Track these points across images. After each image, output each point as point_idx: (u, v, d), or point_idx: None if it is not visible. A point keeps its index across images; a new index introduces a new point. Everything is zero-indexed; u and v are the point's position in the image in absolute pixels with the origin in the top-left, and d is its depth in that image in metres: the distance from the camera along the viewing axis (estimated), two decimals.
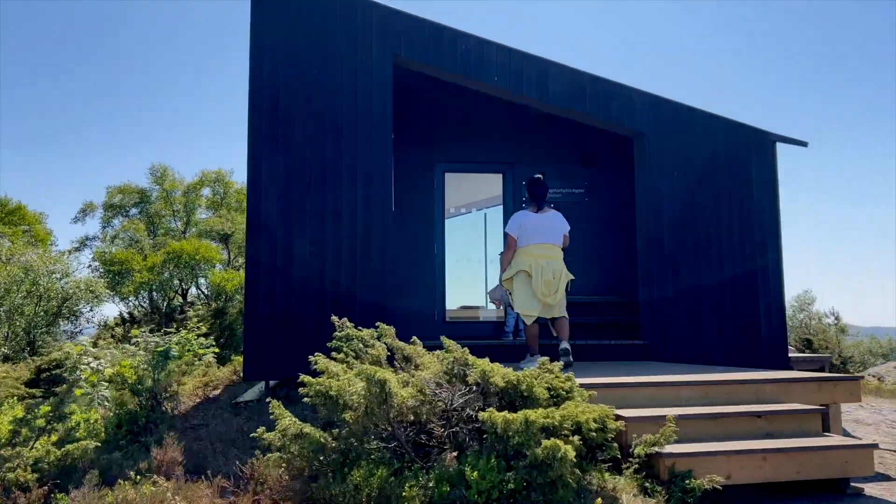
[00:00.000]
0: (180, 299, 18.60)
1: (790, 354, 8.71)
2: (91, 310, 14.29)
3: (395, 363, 4.26)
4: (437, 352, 4.10)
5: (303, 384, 3.57)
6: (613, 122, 7.76)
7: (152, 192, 19.54)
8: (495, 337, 8.79)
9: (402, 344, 4.23)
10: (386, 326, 4.30)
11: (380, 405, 3.27)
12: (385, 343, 4.25)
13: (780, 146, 8.10)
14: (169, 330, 10.70)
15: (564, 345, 6.01)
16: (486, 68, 7.37)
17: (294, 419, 3.57)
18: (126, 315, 14.06)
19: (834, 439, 4.32)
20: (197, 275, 17.94)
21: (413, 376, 3.60)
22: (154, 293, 17.58)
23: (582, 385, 4.48)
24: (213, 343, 9.56)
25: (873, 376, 20.58)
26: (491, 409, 3.41)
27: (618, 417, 4.23)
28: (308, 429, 3.46)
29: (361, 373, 3.29)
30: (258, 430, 3.58)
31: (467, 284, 10.01)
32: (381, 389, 3.23)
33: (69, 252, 17.91)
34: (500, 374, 3.65)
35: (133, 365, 5.96)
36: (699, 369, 5.99)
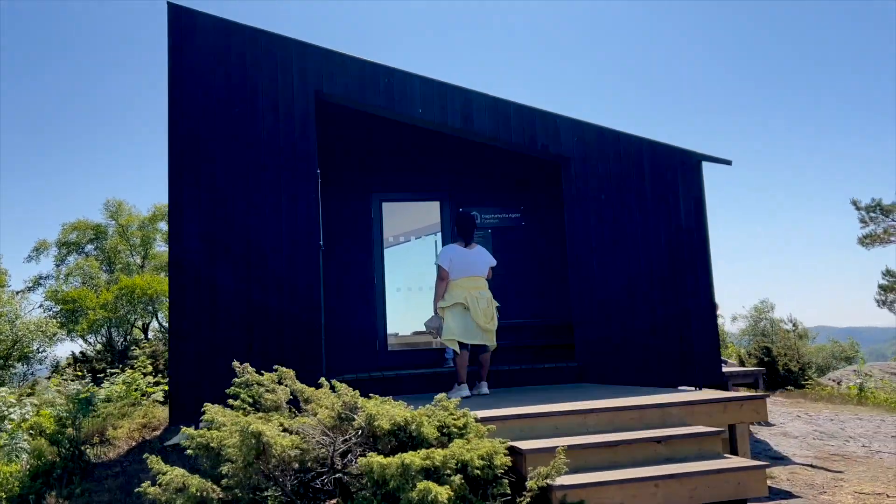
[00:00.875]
0: (141, 335, 18.39)
1: (727, 369, 8.86)
2: (42, 350, 14.06)
3: (300, 405, 4.28)
4: (337, 391, 4.12)
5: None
6: (539, 149, 7.89)
7: (109, 228, 19.37)
8: (439, 364, 8.82)
9: (301, 387, 4.25)
10: (285, 370, 4.32)
11: (258, 457, 3.29)
12: (286, 386, 4.26)
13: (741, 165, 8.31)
14: (113, 371, 10.59)
15: (484, 389, 6.38)
16: (410, 101, 7.47)
17: (182, 471, 3.56)
18: (79, 355, 13.85)
19: (730, 461, 4.41)
20: (156, 309, 17.76)
21: (296, 423, 3.62)
22: (113, 330, 17.36)
23: (488, 418, 4.54)
24: (166, 380, 9.48)
25: (833, 380, 20.88)
26: (372, 453, 3.43)
27: (514, 451, 4.29)
28: (192, 480, 3.46)
29: (235, 425, 3.31)
30: (143, 484, 3.56)
31: (415, 312, 10.04)
32: (256, 441, 3.25)
33: (23, 292, 17.67)
34: (388, 416, 3.68)
35: (53, 414, 5.90)
36: (621, 392, 6.06)
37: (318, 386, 4.36)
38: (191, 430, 3.55)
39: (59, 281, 18.18)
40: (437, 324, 6.59)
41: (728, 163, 8.37)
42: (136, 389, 9.45)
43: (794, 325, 22.45)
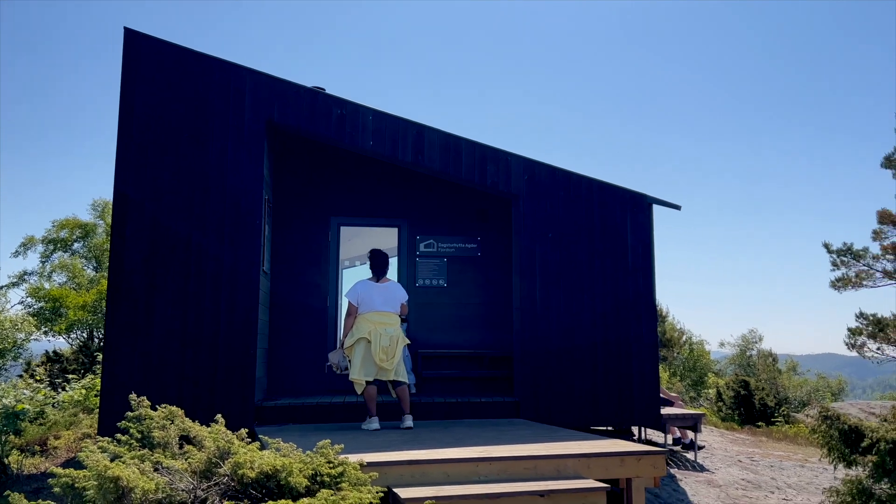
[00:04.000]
0: None
1: (670, 410, 8.91)
2: (19, 347, 14.26)
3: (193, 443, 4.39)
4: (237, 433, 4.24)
5: None
6: (490, 185, 8.01)
7: (99, 227, 19.61)
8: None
9: (190, 425, 4.37)
10: (174, 409, 4.44)
11: (117, 500, 3.41)
12: (176, 424, 4.38)
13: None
14: (71, 377, 10.75)
15: (408, 422, 6.49)
16: (361, 133, 7.61)
17: None
18: (52, 354, 14.05)
19: None
20: None
21: (176, 463, 3.73)
22: (95, 331, 17.55)
23: (377, 463, 4.65)
24: None
25: (810, 416, 20.76)
26: (243, 501, 3.55)
27: (396, 499, 4.39)
28: None
29: (94, 468, 3.43)
30: None
31: None
32: (114, 485, 3.37)
33: (7, 287, 17.90)
34: (257, 464, 3.79)
35: None
36: (543, 434, 6.15)
37: (232, 417, 4.48)
38: (58, 469, 3.67)
39: (42, 278, 18.43)
40: (338, 359, 6.76)
41: (678, 207, 8.45)
42: (96, 395, 9.60)
43: (773, 359, 22.38)
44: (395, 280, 7.13)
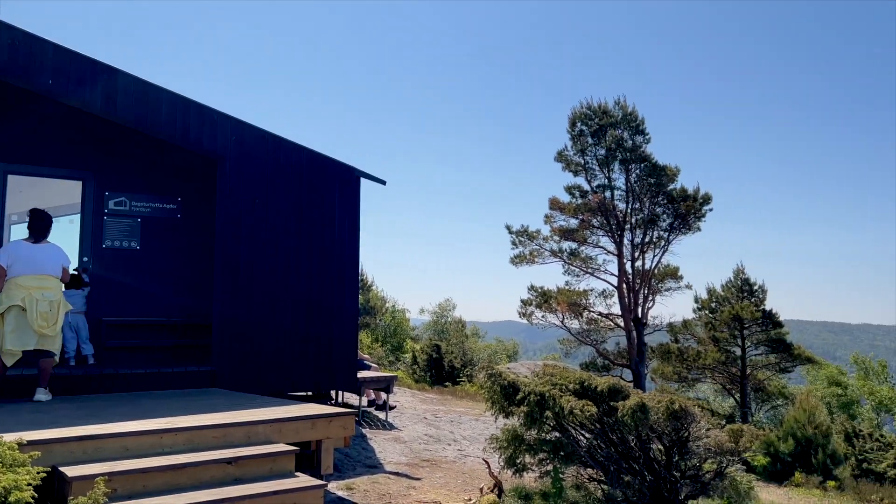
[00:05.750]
0: None
1: (367, 374, 9.41)
2: None
3: None
4: None
5: None
6: (193, 143, 7.55)
7: None
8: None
9: None
10: None
11: None
12: None
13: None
14: None
15: (42, 396, 6.01)
16: (39, 69, 6.61)
17: None
18: None
19: (294, 481, 4.63)
20: None
21: None
22: None
23: (41, 441, 4.18)
24: None
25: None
26: None
27: (62, 478, 4.01)
28: None
29: None
30: None
31: None
32: None
33: None
34: None
35: None
36: (238, 402, 6.05)
37: None
38: None
39: None
40: None
41: (383, 182, 8.88)
42: None
43: (462, 324, 24.85)
44: (63, 244, 6.43)
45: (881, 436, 14.34)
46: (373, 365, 10.09)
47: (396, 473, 6.48)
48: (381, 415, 9.45)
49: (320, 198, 8.31)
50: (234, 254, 7.70)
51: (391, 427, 8.72)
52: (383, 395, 9.87)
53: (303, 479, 4.68)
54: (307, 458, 5.48)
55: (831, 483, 10.18)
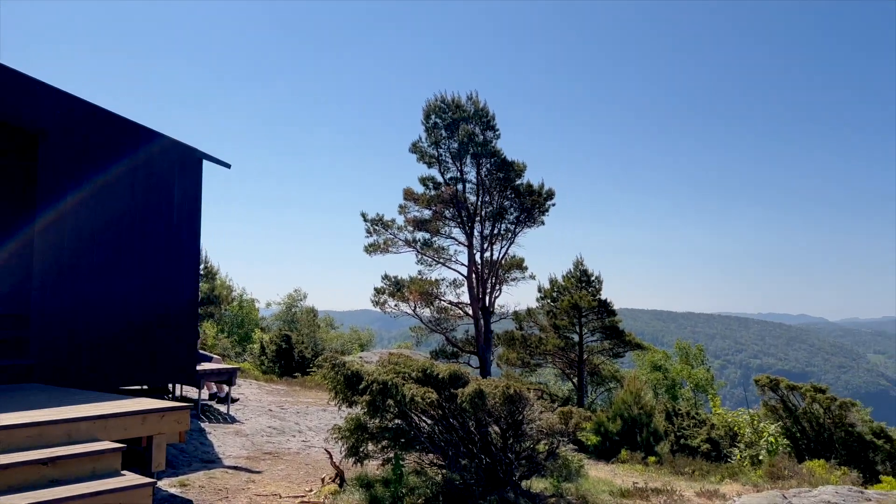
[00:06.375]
0: None
1: (209, 366, 9.04)
2: None
3: None
4: None
5: None
6: (10, 113, 6.85)
7: None
8: None
9: None
10: None
11: None
12: None
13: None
14: None
15: None
16: None
17: None
18: None
19: (120, 480, 4.38)
20: None
21: None
22: None
23: None
24: None
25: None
26: None
27: None
28: None
29: None
30: None
31: None
32: None
33: None
34: None
35: None
36: (57, 398, 5.59)
37: None
38: None
39: None
40: None
41: (228, 166, 8.54)
42: None
43: (314, 314, 24.52)
44: None
45: (696, 414, 15.95)
46: (215, 357, 9.71)
47: (235, 467, 6.30)
48: (223, 408, 9.12)
49: (158, 178, 7.85)
50: (58, 237, 7.08)
51: (233, 420, 8.44)
52: (226, 388, 9.53)
53: (129, 478, 4.43)
54: (138, 456, 5.19)
55: (652, 459, 11.15)
